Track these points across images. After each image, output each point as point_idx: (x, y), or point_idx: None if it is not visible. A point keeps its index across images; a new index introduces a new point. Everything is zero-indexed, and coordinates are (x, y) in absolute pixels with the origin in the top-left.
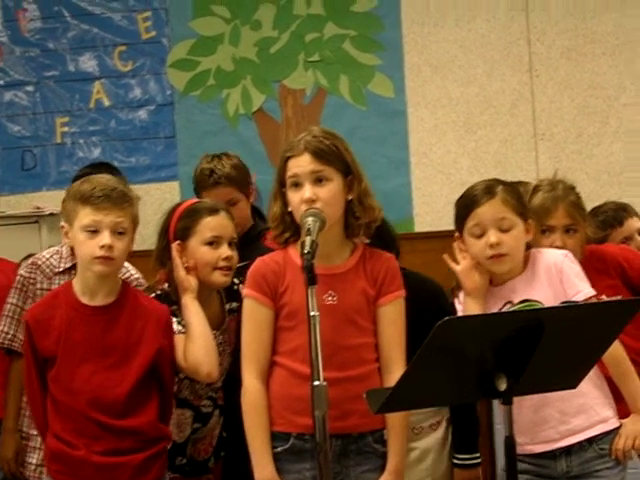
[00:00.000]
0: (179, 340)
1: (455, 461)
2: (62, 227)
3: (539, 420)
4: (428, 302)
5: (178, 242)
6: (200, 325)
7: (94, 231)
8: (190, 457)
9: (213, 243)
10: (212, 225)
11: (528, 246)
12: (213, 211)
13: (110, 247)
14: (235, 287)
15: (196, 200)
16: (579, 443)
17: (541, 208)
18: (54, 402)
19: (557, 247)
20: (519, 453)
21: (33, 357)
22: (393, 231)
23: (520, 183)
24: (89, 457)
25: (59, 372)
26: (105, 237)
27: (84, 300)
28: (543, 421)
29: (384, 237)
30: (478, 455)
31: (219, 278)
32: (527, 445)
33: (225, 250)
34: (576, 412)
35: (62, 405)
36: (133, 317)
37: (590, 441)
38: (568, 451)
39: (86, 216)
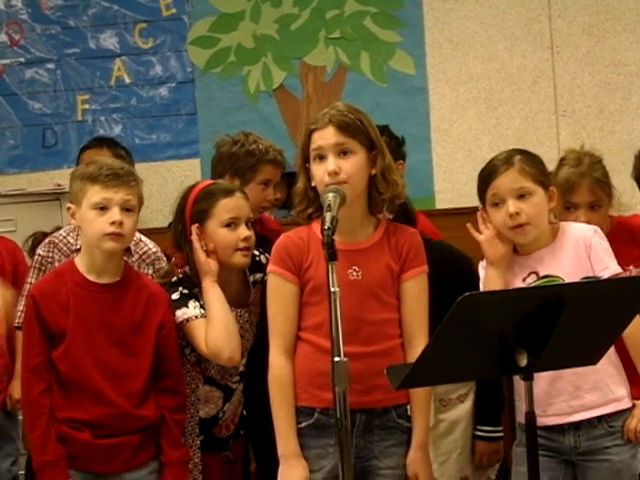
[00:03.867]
0: (200, 324)
1: (477, 433)
2: (69, 209)
3: (553, 392)
4: (454, 273)
5: (197, 225)
6: (220, 309)
7: (103, 208)
8: (210, 434)
9: (231, 225)
10: (229, 207)
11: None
12: (229, 192)
13: (120, 223)
14: (257, 258)
15: (210, 182)
16: (588, 420)
17: (565, 184)
18: (61, 383)
19: (581, 223)
20: None
21: (41, 332)
22: (412, 205)
23: None
24: (93, 440)
25: (68, 348)
26: (115, 213)
27: (91, 278)
28: (557, 393)
29: (407, 211)
30: (501, 429)
31: (240, 259)
32: (539, 417)
33: (243, 230)
34: (590, 388)
35: (69, 383)
36: (137, 296)
37: (600, 418)
38: (577, 426)
39: (96, 194)
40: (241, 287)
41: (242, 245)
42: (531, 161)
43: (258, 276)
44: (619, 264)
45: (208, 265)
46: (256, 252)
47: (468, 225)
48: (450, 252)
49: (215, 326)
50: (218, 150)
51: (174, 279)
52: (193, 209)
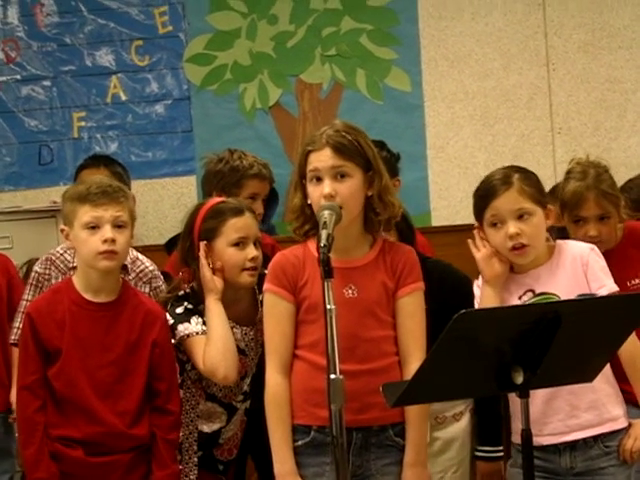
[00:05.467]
0: (200, 341)
1: (478, 453)
2: (62, 230)
3: (549, 411)
4: (455, 294)
5: (205, 243)
6: (220, 327)
7: (94, 227)
8: (210, 452)
9: (239, 244)
10: (238, 226)
11: (561, 236)
12: (238, 212)
13: (113, 241)
14: None
15: (219, 200)
16: (584, 439)
17: (572, 198)
18: (55, 401)
19: (591, 236)
20: None
21: (37, 349)
22: (411, 221)
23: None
24: (85, 458)
25: (63, 366)
26: (107, 231)
27: (88, 297)
28: (553, 412)
29: (407, 226)
30: (501, 448)
31: (246, 279)
32: (535, 437)
33: (251, 250)
34: (587, 407)
35: (64, 401)
36: (134, 314)
37: (595, 438)
38: (573, 446)
39: (85, 213)
40: (249, 305)
41: (249, 265)
42: (529, 179)
43: None
44: (632, 269)
45: (213, 283)
46: (267, 271)
47: (469, 241)
48: (450, 272)
49: (214, 344)
50: (205, 169)
51: (181, 293)
52: (202, 227)
